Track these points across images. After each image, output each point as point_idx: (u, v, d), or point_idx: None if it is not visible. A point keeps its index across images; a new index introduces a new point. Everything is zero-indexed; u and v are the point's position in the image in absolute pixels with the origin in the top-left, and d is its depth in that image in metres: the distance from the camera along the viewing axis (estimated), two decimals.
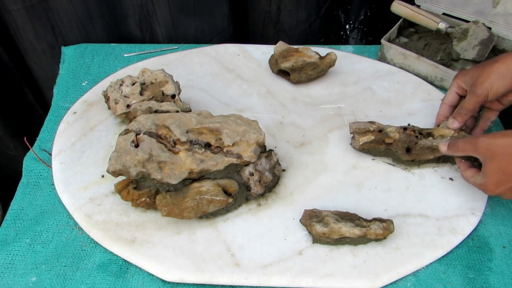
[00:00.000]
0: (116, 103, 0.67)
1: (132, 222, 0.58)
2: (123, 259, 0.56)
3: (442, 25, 0.78)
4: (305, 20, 0.87)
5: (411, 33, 0.89)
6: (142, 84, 0.69)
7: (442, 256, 0.57)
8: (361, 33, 0.93)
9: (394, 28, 0.84)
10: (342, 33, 0.92)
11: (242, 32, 0.93)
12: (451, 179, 0.64)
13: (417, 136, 0.65)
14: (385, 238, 0.56)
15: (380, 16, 0.91)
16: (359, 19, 0.90)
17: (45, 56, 0.89)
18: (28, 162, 0.66)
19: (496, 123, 0.74)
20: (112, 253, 0.56)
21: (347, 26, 0.91)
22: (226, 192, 0.58)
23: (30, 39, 0.86)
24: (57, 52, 0.87)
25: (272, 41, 0.92)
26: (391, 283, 0.54)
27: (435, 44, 0.83)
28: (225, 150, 0.58)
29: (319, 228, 0.55)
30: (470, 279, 0.55)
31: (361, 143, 0.65)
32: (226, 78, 0.79)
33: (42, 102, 1.02)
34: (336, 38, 0.92)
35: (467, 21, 0.84)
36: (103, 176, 0.63)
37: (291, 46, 0.78)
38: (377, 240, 0.56)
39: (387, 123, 0.67)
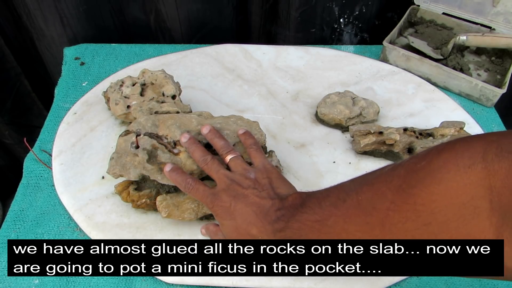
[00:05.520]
0: (116, 104, 0.67)
1: (132, 223, 0.58)
2: None
3: None
4: (297, 8, 0.87)
5: (411, 33, 0.89)
6: (143, 84, 0.69)
7: None
8: (355, 28, 0.93)
9: (395, 29, 0.84)
10: (336, 26, 0.92)
11: (242, 12, 0.94)
12: None
13: (417, 137, 0.65)
14: None
15: (376, 13, 0.91)
16: (354, 14, 0.90)
17: (54, 42, 0.91)
18: (28, 163, 0.66)
19: (497, 123, 0.74)
20: None
21: (341, 20, 0.91)
22: None
23: (41, 25, 0.87)
24: (64, 41, 0.89)
25: (269, 24, 0.94)
26: (394, 284, 0.54)
27: (437, 40, 0.84)
28: None
29: None
30: (476, 280, 0.55)
31: (362, 145, 0.64)
32: (227, 78, 0.79)
33: (45, 94, 1.04)
34: (329, 30, 0.93)
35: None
36: (103, 177, 0.62)
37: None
38: None
39: (388, 124, 0.67)
